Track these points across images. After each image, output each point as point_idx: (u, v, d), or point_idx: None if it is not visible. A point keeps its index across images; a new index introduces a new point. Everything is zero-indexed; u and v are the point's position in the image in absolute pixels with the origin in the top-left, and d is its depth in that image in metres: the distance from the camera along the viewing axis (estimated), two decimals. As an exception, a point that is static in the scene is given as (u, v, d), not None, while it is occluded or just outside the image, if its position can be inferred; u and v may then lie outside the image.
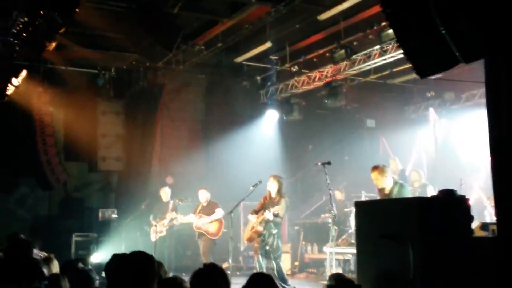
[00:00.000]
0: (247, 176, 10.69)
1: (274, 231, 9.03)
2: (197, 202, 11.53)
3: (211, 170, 15.57)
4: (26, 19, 8.62)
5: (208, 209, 11.03)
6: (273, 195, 9.17)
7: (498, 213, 5.34)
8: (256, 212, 9.29)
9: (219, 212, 10.87)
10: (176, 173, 14.49)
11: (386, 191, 8.07)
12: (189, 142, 15.52)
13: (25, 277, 3.39)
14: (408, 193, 8.15)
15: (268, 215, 8.89)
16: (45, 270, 4.94)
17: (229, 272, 9.24)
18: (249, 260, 13.34)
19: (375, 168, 8.18)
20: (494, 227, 7.13)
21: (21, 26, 8.79)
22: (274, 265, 8.98)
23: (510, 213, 5.02)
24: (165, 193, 12.08)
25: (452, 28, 5.09)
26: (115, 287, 3.43)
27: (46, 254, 5.98)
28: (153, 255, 9.54)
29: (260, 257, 9.14)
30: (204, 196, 11.20)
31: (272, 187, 9.17)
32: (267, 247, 9.01)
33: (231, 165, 14.43)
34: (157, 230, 11.40)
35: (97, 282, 4.58)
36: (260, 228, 9.08)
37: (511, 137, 5.08)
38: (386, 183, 8.08)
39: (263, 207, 9.20)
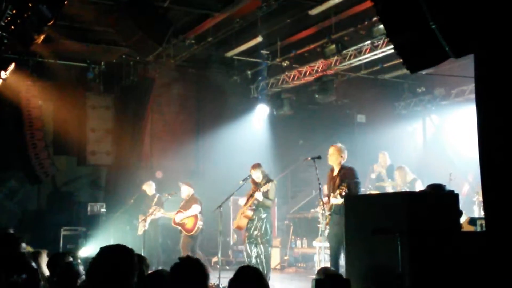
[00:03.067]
0: (237, 170, 10.67)
1: (263, 215, 9.03)
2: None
3: (201, 164, 15.56)
4: (14, 11, 8.54)
5: (187, 205, 11.00)
6: (260, 180, 9.18)
7: (486, 208, 5.37)
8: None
9: (194, 208, 10.80)
10: (166, 167, 14.46)
11: (334, 173, 8.14)
12: (179, 136, 15.48)
13: (4, 270, 3.35)
14: (356, 177, 8.01)
15: (258, 195, 8.94)
16: (33, 264, 4.91)
17: (218, 266, 9.24)
18: (238, 254, 13.36)
19: (335, 145, 8.31)
20: (482, 221, 7.18)
21: (9, 18, 8.68)
22: (262, 249, 8.95)
23: (498, 208, 5.05)
24: (149, 187, 12.04)
25: (442, 23, 5.10)
26: (94, 280, 3.40)
27: (31, 249, 5.95)
28: (142, 249, 9.53)
29: (248, 245, 9.12)
30: (185, 191, 11.15)
31: (256, 175, 9.19)
32: (256, 232, 9.00)
33: (221, 160, 14.43)
34: (143, 224, 11.35)
35: (83, 277, 4.56)
36: (249, 213, 9.09)
37: (500, 132, 5.10)
38: (336, 163, 8.16)
39: (251, 196, 9.23)
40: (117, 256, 3.47)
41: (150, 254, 11.26)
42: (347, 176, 7.94)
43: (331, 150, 8.24)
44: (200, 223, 10.72)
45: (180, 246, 10.95)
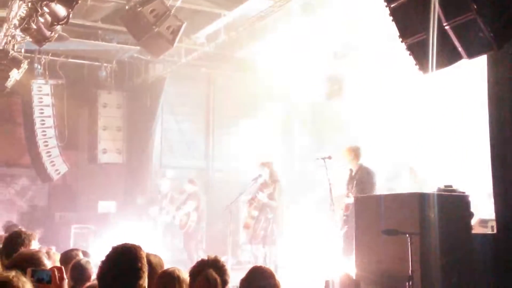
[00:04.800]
0: (247, 170, 10.68)
1: (270, 216, 8.98)
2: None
3: (211, 163, 15.55)
4: (27, 10, 8.59)
5: (185, 202, 10.94)
6: (267, 181, 9.16)
7: (497, 210, 5.35)
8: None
9: (188, 205, 10.73)
10: (176, 166, 14.48)
11: (353, 174, 8.28)
12: (190, 135, 15.50)
13: (29, 267, 3.36)
14: (372, 179, 8.20)
15: (261, 196, 8.91)
16: (47, 262, 4.94)
17: (227, 265, 9.23)
18: (247, 254, 13.34)
19: (347, 147, 8.49)
20: (493, 223, 7.14)
21: (22, 17, 8.76)
22: (269, 250, 8.92)
23: (509, 209, 5.03)
24: (164, 185, 11.98)
25: (455, 23, 5.08)
26: (104, 281, 3.40)
27: (42, 246, 5.97)
28: (151, 247, 9.48)
29: (253, 246, 9.08)
30: (187, 188, 11.07)
31: (264, 173, 9.17)
32: (262, 232, 8.96)
33: (232, 159, 14.42)
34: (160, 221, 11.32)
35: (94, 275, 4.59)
36: (254, 213, 9.05)
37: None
38: (352, 164, 8.32)
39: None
40: (126, 255, 3.45)
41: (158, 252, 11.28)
42: (363, 177, 8.00)
43: (344, 153, 8.26)
44: (192, 221, 10.62)
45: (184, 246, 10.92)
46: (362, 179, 8.11)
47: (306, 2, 10.61)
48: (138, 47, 12.78)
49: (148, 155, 14.64)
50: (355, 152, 8.31)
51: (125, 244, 3.57)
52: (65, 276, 3.33)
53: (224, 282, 3.70)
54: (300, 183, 16.00)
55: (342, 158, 8.37)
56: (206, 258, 3.80)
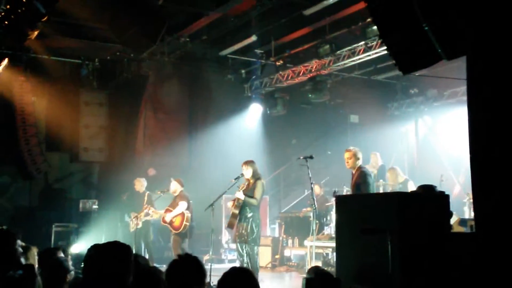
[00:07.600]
0: (229, 169, 10.68)
1: (249, 215, 8.96)
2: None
3: (194, 162, 15.55)
4: (8, 7, 8.52)
5: (174, 203, 10.82)
6: (249, 179, 9.17)
7: (476, 209, 5.40)
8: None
9: (181, 206, 10.60)
10: (158, 165, 14.45)
11: (353, 175, 8.56)
12: (173, 134, 15.47)
13: (1, 265, 3.35)
14: (367, 178, 8.41)
15: (239, 194, 8.91)
16: (22, 260, 4.91)
17: (209, 264, 9.23)
18: (230, 252, 13.37)
19: (349, 149, 8.72)
20: (472, 223, 7.22)
21: (3, 14, 8.67)
22: (248, 249, 8.93)
23: (488, 209, 5.08)
24: (139, 184, 11.88)
25: (435, 25, 5.13)
26: (91, 277, 3.40)
27: (23, 244, 5.93)
28: (133, 246, 9.45)
29: (238, 245, 9.08)
30: (172, 187, 10.94)
31: (247, 173, 9.16)
32: (243, 231, 8.96)
33: (214, 158, 14.43)
34: (135, 222, 11.29)
35: (72, 273, 4.56)
36: (235, 211, 9.04)
37: (491, 134, 5.13)
38: (354, 166, 8.56)
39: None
40: (113, 253, 3.46)
41: (142, 251, 11.26)
42: (358, 178, 8.34)
43: (348, 155, 8.60)
44: (187, 221, 10.54)
45: (170, 245, 10.85)
46: (358, 179, 8.34)
47: (289, 2, 10.65)
48: (120, 45, 12.73)
49: (130, 153, 14.59)
50: (357, 154, 8.56)
51: (115, 242, 3.58)
52: (36, 274, 3.33)
53: (200, 279, 3.70)
54: (282, 182, 16.09)
55: (347, 159, 8.59)
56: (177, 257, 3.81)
